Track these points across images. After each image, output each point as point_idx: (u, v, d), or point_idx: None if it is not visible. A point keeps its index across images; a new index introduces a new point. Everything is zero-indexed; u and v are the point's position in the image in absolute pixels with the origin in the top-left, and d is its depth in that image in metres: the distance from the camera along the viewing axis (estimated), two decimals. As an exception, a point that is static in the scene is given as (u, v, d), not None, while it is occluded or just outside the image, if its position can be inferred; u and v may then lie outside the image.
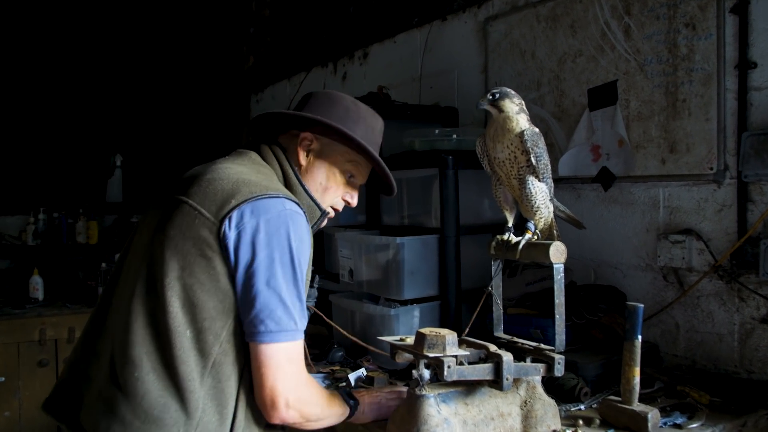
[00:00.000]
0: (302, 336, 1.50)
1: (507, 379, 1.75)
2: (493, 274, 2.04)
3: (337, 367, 2.51)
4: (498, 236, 2.01)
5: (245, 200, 1.47)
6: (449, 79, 3.44)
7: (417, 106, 3.24)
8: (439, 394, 1.76)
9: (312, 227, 1.67)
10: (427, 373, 1.72)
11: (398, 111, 3.17)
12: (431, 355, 1.69)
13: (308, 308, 1.96)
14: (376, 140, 1.80)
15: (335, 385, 2.31)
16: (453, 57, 3.43)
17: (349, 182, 1.80)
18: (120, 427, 1.44)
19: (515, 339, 2.00)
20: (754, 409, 1.96)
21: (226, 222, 1.45)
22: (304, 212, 1.57)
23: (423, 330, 1.74)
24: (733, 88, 2.18)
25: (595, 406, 2.01)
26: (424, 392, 1.73)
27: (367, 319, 2.66)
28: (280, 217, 1.48)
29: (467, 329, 2.02)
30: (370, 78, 4.13)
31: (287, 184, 1.67)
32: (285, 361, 1.45)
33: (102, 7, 5.35)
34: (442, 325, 2.61)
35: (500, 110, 1.88)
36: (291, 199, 1.54)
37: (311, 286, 1.98)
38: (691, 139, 2.30)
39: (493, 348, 1.80)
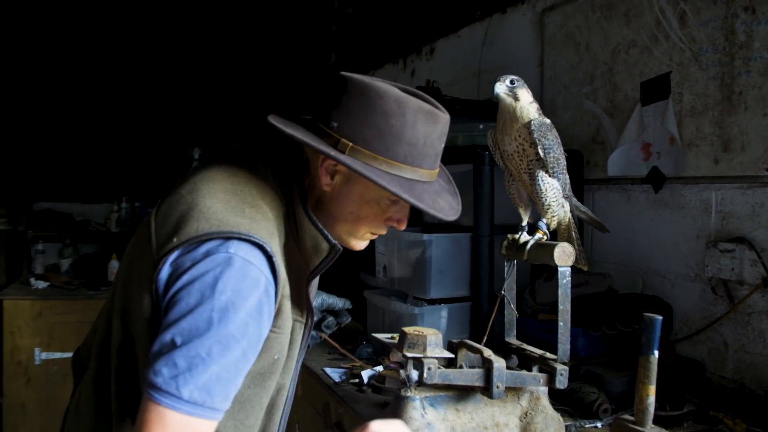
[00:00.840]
0: (188, 409, 1.10)
1: (497, 387, 1.59)
2: (505, 275, 1.86)
3: (359, 364, 2.40)
4: (509, 235, 1.83)
5: (185, 240, 1.18)
6: (507, 73, 3.23)
7: (467, 101, 3.07)
8: (426, 397, 1.63)
9: (320, 263, 1.34)
10: (415, 374, 1.58)
11: (447, 106, 2.96)
12: (409, 355, 1.55)
13: (321, 335, 1.88)
14: (433, 151, 1.33)
15: (348, 381, 2.23)
16: (511, 51, 3.24)
17: (393, 205, 1.35)
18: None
19: (524, 346, 1.82)
20: (797, 442, 1.69)
21: (164, 261, 1.19)
22: (269, 255, 1.22)
23: (406, 328, 1.61)
24: (794, 79, 1.90)
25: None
26: (408, 394, 1.61)
27: (394, 318, 2.54)
28: (214, 263, 1.16)
29: (485, 336, 1.84)
30: (436, 73, 3.99)
31: (294, 210, 1.33)
32: (153, 424, 1.09)
33: (190, 8, 5.50)
34: (472, 328, 2.45)
35: (516, 99, 1.71)
36: (250, 240, 1.19)
37: (338, 322, 1.90)
38: (747, 136, 2.03)
39: (487, 353, 1.64)
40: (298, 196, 1.33)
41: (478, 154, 2.37)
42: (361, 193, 1.31)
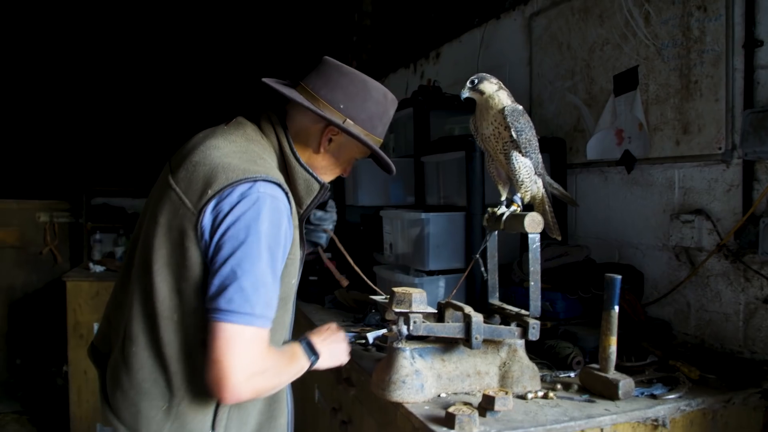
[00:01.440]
0: (260, 323, 1.31)
1: (476, 339, 1.68)
2: (482, 243, 1.96)
3: (369, 329, 2.51)
4: (489, 208, 1.93)
5: (220, 189, 1.34)
6: (502, 73, 3.31)
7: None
8: (415, 348, 1.73)
9: (310, 202, 1.57)
10: (405, 329, 1.68)
11: (447, 101, 3.11)
12: (396, 310, 1.66)
13: (325, 231, 1.91)
14: (388, 126, 1.67)
15: (356, 342, 2.31)
16: (505, 53, 3.31)
17: (351, 162, 1.70)
18: (120, 395, 1.45)
19: (504, 306, 1.91)
20: (744, 387, 1.75)
21: (203, 212, 1.34)
22: (284, 191, 1.43)
23: (395, 288, 1.72)
24: (741, 68, 1.96)
25: (582, 374, 1.87)
26: (399, 345, 1.70)
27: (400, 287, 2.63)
28: (251, 202, 1.33)
29: (451, 294, 1.95)
30: (442, 75, 4.08)
31: (282, 160, 1.54)
32: (238, 342, 1.28)
33: (225, 19, 5.66)
34: (467, 296, 2.54)
35: (481, 93, 1.81)
36: (271, 180, 1.39)
37: (325, 210, 1.89)
38: (702, 119, 2.09)
39: (468, 310, 1.73)
40: (290, 151, 1.54)
41: (470, 142, 2.45)
42: (343, 155, 1.62)
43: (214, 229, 1.33)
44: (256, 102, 1.69)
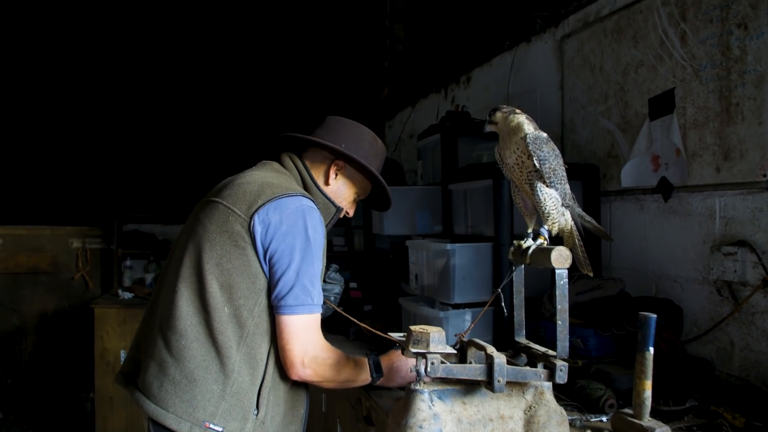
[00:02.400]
0: (319, 309, 1.66)
1: (498, 381, 1.57)
2: (506, 277, 1.86)
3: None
4: (515, 241, 1.82)
5: (269, 199, 1.62)
6: (533, 97, 3.23)
7: (494, 123, 3.06)
8: (434, 390, 1.62)
9: (328, 223, 1.83)
10: (422, 368, 1.58)
11: (475, 127, 3.02)
12: (414, 350, 1.56)
13: (325, 302, 1.93)
14: (381, 166, 1.97)
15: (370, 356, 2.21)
16: (536, 76, 3.22)
17: (354, 201, 1.97)
18: (171, 386, 1.62)
19: (531, 345, 1.79)
20: (795, 437, 1.60)
21: (255, 218, 1.61)
22: (318, 208, 1.72)
23: (412, 327, 1.62)
24: (786, 89, 1.83)
25: (613, 418, 1.74)
26: (417, 387, 1.60)
27: (423, 321, 2.54)
28: (297, 211, 1.63)
29: (467, 331, 1.87)
30: (473, 100, 4.00)
31: (305, 187, 1.82)
32: (302, 329, 1.61)
33: (267, 43, 5.71)
34: (495, 331, 2.43)
35: (496, 123, 1.73)
36: (307, 197, 1.70)
37: (324, 281, 1.96)
38: (744, 144, 1.96)
39: (490, 350, 1.62)
40: (310, 178, 1.83)
41: (498, 170, 2.34)
42: (349, 187, 1.91)
43: (268, 235, 1.61)
44: (273, 149, 1.98)
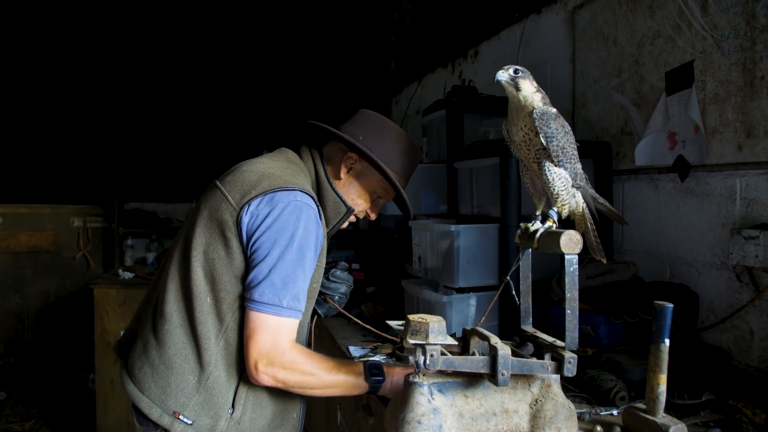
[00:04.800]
0: (290, 314, 1.50)
1: (502, 374, 1.47)
2: (514, 263, 1.75)
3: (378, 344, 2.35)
4: (522, 224, 1.71)
5: (263, 191, 1.53)
6: (543, 71, 3.09)
7: (501, 98, 2.92)
8: (434, 383, 1.53)
9: (337, 223, 1.74)
10: (421, 361, 1.49)
11: (483, 103, 2.90)
12: (411, 341, 1.46)
13: (326, 299, 1.90)
14: (411, 171, 1.83)
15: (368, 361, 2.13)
16: (546, 49, 3.08)
17: (376, 201, 1.81)
18: (149, 369, 1.58)
19: (538, 334, 1.69)
20: (820, 435, 1.50)
21: (245, 209, 1.52)
22: (317, 205, 1.60)
23: (411, 316, 1.52)
24: (816, 61, 1.69)
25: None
26: (416, 380, 1.51)
27: (426, 306, 2.45)
28: (289, 205, 1.52)
29: (482, 319, 1.75)
30: (481, 75, 3.87)
31: (318, 182, 1.72)
32: (262, 330, 1.47)
33: (274, 23, 5.57)
34: (501, 316, 2.33)
35: (517, 89, 1.58)
36: (306, 192, 1.57)
37: (328, 279, 1.90)
38: (769, 121, 1.83)
39: (494, 340, 1.52)
40: (324, 174, 1.71)
41: (505, 147, 2.24)
42: (363, 185, 1.75)
43: (255, 227, 1.50)
44: (297, 137, 1.85)
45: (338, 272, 1.92)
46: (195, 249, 1.55)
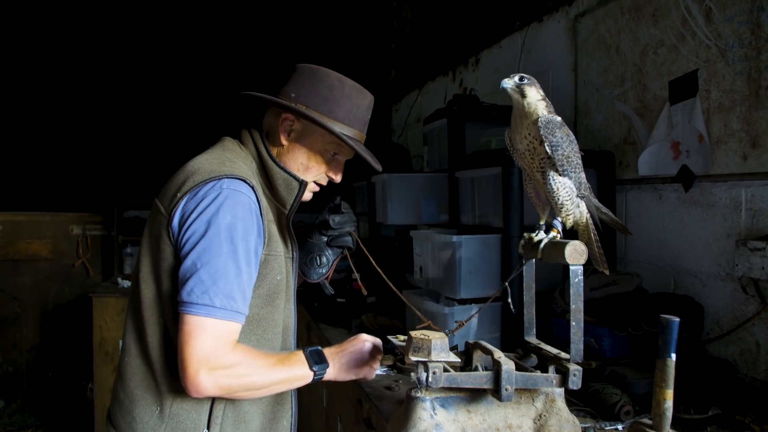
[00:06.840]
0: (222, 314, 1.31)
1: (506, 389, 1.44)
2: (514, 271, 1.72)
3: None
4: (526, 234, 1.68)
5: (188, 190, 1.39)
6: (544, 80, 3.07)
7: (503, 107, 2.92)
8: (437, 398, 1.50)
9: (295, 198, 1.54)
10: (423, 377, 1.46)
11: (484, 112, 2.87)
12: (413, 358, 1.43)
13: (349, 233, 1.81)
14: (362, 118, 1.62)
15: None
16: (547, 57, 3.06)
17: (333, 160, 1.62)
18: (118, 406, 1.49)
19: (542, 345, 1.66)
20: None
21: (174, 213, 1.38)
22: (252, 188, 1.44)
23: (413, 332, 1.49)
24: (823, 70, 1.67)
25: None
26: (418, 395, 1.49)
27: (429, 317, 2.40)
28: (213, 198, 1.37)
29: (457, 329, 1.74)
30: (482, 83, 3.85)
31: (262, 163, 1.56)
32: (198, 333, 1.29)
33: (276, 30, 5.56)
34: (503, 328, 2.30)
35: (522, 95, 1.56)
36: (236, 178, 1.42)
37: (341, 213, 1.79)
38: (775, 131, 1.80)
39: (498, 355, 1.49)
40: (266, 153, 1.55)
41: (507, 156, 2.21)
42: (309, 146, 1.57)
43: (180, 225, 1.37)
44: (242, 119, 1.69)
45: (337, 218, 1.79)
46: (142, 272, 1.44)
